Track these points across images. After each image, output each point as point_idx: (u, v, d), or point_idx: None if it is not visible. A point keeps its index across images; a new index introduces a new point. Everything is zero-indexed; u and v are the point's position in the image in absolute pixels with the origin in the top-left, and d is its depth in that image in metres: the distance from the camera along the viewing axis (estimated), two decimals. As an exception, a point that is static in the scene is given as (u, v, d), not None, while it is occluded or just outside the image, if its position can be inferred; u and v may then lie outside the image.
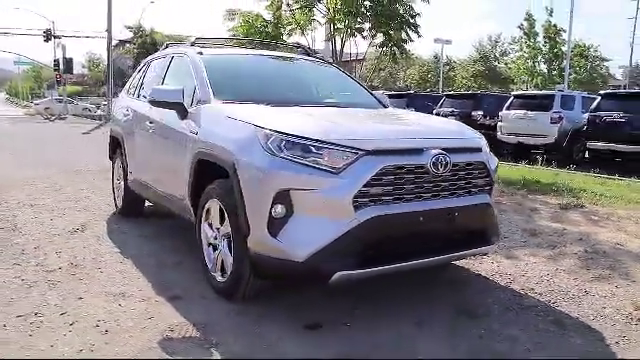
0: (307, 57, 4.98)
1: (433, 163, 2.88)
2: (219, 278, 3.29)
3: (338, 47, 12.31)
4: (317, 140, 2.77)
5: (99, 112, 34.46)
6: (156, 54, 5.41)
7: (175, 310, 3.08)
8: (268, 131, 2.87)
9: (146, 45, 30.92)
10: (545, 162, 11.04)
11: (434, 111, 14.61)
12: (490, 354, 2.66)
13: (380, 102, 4.45)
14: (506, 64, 38.74)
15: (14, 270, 3.73)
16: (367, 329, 2.89)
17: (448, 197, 3.00)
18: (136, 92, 5.30)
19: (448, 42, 40.20)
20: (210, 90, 3.71)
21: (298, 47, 5.63)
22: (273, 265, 2.81)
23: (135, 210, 5.39)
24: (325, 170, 2.71)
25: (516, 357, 2.66)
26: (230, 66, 4.30)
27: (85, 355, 2.55)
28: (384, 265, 2.81)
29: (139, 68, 5.64)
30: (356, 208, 2.69)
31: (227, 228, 3.16)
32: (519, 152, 12.75)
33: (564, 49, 26.65)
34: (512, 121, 13.15)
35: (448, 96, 17.08)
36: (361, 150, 2.75)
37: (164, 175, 4.20)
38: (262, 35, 12.36)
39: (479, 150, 3.25)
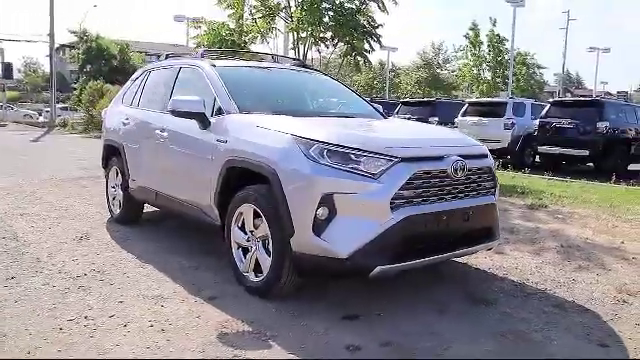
0: (306, 69, 5.27)
1: (453, 168, 3.25)
2: (253, 278, 3.51)
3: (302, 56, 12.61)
4: (357, 149, 3.08)
5: (41, 119, 33.12)
6: (156, 64, 5.53)
7: (217, 309, 3.28)
8: (309, 140, 3.15)
9: (91, 50, 29.83)
10: (501, 166, 11.78)
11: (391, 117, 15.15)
12: (514, 333, 3.04)
13: (379, 112, 4.80)
14: (452, 72, 40.26)
15: (40, 277, 3.79)
16: (396, 318, 3.21)
17: (464, 198, 3.38)
18: (135, 101, 5.39)
19: (394, 49, 41.43)
20: (233, 101, 3.93)
21: (295, 60, 5.93)
22: (316, 263, 3.08)
23: (134, 216, 5.48)
24: (365, 175, 3.02)
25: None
26: (244, 78, 4.51)
27: (151, 354, 2.73)
28: (415, 259, 3.16)
29: (134, 77, 5.71)
30: (392, 209, 3.02)
31: (262, 231, 3.40)
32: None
33: (507, 57, 28.18)
34: (467, 127, 13.86)
35: (404, 103, 17.77)
36: (396, 157, 3.07)
37: (181, 181, 4.35)
38: (227, 43, 12.50)
39: (486, 156, 3.67)
